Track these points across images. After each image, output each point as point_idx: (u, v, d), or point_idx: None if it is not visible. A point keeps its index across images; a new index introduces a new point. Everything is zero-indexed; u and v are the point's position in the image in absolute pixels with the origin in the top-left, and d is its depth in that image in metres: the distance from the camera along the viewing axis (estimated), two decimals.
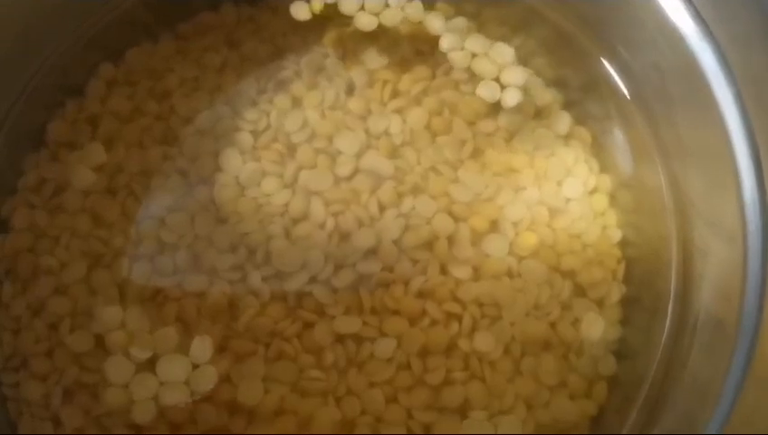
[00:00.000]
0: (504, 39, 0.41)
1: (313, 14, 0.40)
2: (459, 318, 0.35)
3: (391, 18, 0.40)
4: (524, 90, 0.40)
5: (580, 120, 0.39)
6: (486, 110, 0.39)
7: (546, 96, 0.39)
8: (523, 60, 0.40)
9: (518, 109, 0.39)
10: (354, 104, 0.39)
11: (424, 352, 0.35)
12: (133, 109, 0.39)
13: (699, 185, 0.34)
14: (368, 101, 0.39)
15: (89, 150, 0.37)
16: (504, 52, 0.39)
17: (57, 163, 0.38)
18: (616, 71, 0.37)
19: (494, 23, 0.40)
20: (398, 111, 0.39)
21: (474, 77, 0.40)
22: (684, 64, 0.32)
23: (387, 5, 0.40)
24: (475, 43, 0.39)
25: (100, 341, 0.34)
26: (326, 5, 0.39)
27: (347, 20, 0.40)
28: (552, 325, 0.36)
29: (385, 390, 0.35)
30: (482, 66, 0.39)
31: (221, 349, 0.35)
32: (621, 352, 0.36)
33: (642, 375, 0.35)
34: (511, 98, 0.38)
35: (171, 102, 0.39)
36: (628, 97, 0.37)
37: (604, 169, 0.38)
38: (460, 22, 0.40)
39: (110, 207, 0.37)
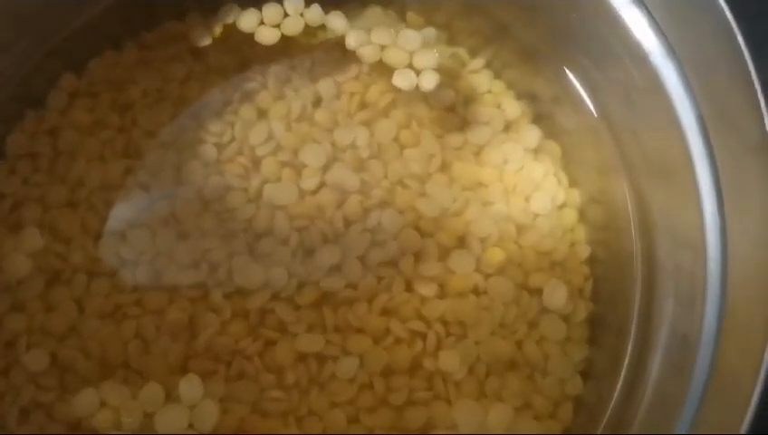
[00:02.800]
0: (476, 51, 0.40)
1: (213, 38, 0.38)
2: (424, 337, 0.35)
3: (293, 27, 0.38)
4: (495, 103, 0.39)
5: (549, 133, 0.38)
6: (456, 123, 0.39)
7: (516, 109, 0.39)
8: (496, 72, 0.39)
9: (487, 122, 0.39)
10: (321, 116, 0.38)
11: (387, 372, 0.35)
12: (94, 121, 0.38)
13: (663, 200, 0.34)
14: (335, 113, 0.39)
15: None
16: (411, 37, 0.38)
17: (15, 177, 0.37)
18: (583, 86, 0.36)
19: (465, 34, 0.40)
20: (366, 124, 0.38)
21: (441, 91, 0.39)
22: (647, 81, 0.31)
23: (286, 15, 0.38)
24: (381, 35, 0.38)
25: (86, 426, 0.33)
26: (225, 26, 0.38)
27: (312, 30, 0.39)
28: (518, 344, 0.35)
29: (347, 410, 0.34)
30: (393, 56, 0.38)
31: (181, 369, 0.34)
32: (588, 371, 0.35)
33: (608, 394, 0.35)
34: (428, 81, 0.37)
35: (133, 114, 0.38)
36: (595, 112, 0.36)
37: (573, 183, 0.38)
38: (430, 32, 0.40)
39: (70, 222, 0.36)
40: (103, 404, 0.32)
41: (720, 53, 0.28)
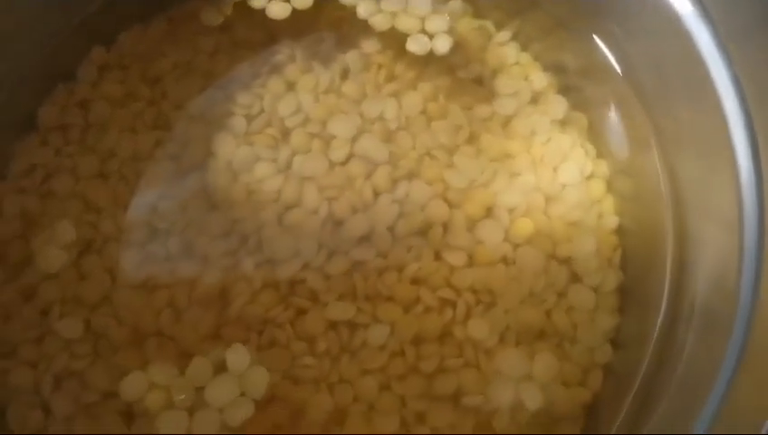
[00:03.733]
0: (503, 23, 0.40)
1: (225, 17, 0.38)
2: (453, 305, 0.35)
3: (303, 1, 0.38)
4: (522, 75, 0.39)
5: (576, 105, 0.38)
6: (483, 95, 0.39)
7: (543, 81, 0.39)
8: (522, 44, 0.39)
9: (514, 94, 0.39)
10: (349, 88, 0.38)
11: (417, 340, 0.35)
12: (125, 93, 0.38)
13: (696, 172, 0.34)
14: (362, 85, 0.39)
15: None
16: (421, 3, 0.38)
17: (47, 148, 0.37)
18: (613, 54, 0.36)
19: (491, 6, 0.40)
20: (394, 96, 0.39)
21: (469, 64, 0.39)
22: (681, 48, 0.31)
23: None
24: (391, 2, 0.38)
25: (139, 409, 0.32)
26: (235, 4, 0.38)
27: (339, 5, 0.39)
28: (548, 313, 0.35)
29: (378, 377, 0.34)
30: (404, 23, 0.38)
31: (213, 337, 0.34)
32: (617, 340, 0.35)
33: (637, 364, 0.34)
34: (442, 45, 0.37)
35: (163, 87, 0.38)
36: (625, 82, 0.36)
37: (601, 154, 0.38)
38: (456, 5, 0.40)
39: (102, 193, 0.37)
40: (152, 385, 0.32)
41: (756, 14, 0.28)
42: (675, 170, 0.35)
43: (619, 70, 0.36)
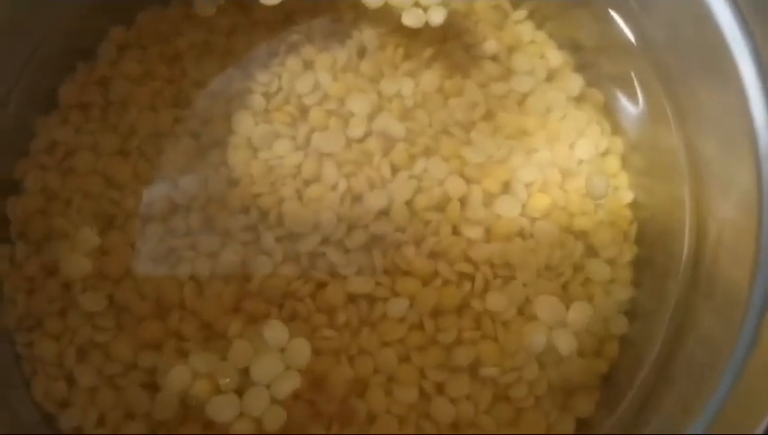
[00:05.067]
0: (517, 2, 0.40)
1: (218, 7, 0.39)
2: (471, 278, 0.35)
3: None
4: (538, 53, 0.39)
5: (592, 82, 0.39)
6: (500, 73, 0.39)
7: (558, 58, 0.39)
8: (538, 23, 0.40)
9: (530, 72, 0.39)
10: (366, 67, 0.39)
11: (436, 312, 0.35)
12: (144, 72, 0.39)
13: (714, 147, 0.34)
14: (379, 64, 0.39)
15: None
16: None
17: (68, 126, 0.38)
18: (630, 31, 0.37)
19: None
20: (410, 74, 0.39)
21: (485, 42, 0.40)
22: (700, 23, 0.31)
23: None
24: None
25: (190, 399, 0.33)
26: None
27: None
28: (564, 286, 0.36)
29: (397, 349, 0.35)
30: None
31: (234, 310, 0.35)
32: (633, 312, 0.36)
33: (653, 335, 0.35)
34: (436, 16, 0.37)
35: (182, 65, 0.39)
36: (642, 58, 0.37)
37: (616, 130, 0.38)
38: None
39: (122, 169, 0.37)
40: (196, 375, 0.32)
41: None
42: (693, 146, 0.35)
43: (636, 46, 0.37)
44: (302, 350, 0.32)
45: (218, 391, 0.31)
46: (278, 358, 0.32)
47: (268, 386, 0.31)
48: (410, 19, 0.37)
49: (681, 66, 0.34)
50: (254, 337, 0.33)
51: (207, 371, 0.32)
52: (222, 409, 0.31)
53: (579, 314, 0.34)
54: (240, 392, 0.32)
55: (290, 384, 0.32)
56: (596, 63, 0.39)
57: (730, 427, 0.29)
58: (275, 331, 0.32)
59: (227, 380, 0.31)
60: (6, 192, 0.36)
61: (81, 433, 0.33)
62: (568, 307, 0.34)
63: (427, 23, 0.38)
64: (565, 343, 0.33)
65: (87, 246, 0.35)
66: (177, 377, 0.32)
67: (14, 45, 0.36)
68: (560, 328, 0.34)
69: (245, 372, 0.32)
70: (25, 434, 0.32)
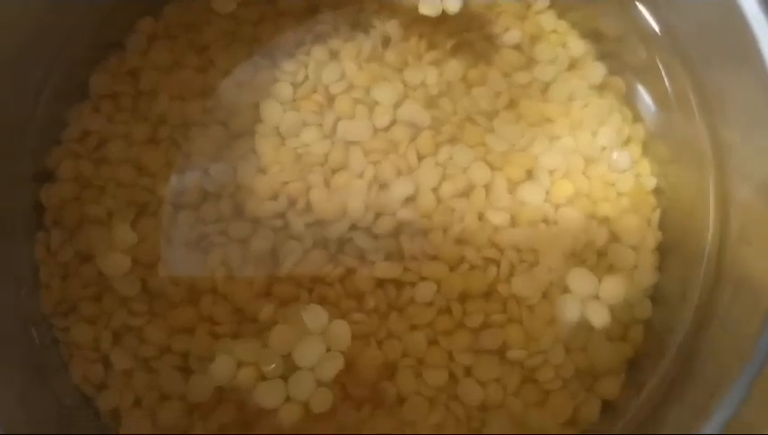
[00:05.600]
0: None
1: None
2: (497, 263, 0.36)
3: None
4: (560, 42, 0.40)
5: (614, 70, 0.39)
6: (522, 62, 0.40)
7: (580, 48, 0.40)
8: (560, 12, 0.40)
9: (552, 61, 0.40)
10: (391, 56, 0.39)
11: (463, 297, 0.36)
12: (173, 62, 0.39)
13: (739, 135, 0.34)
14: (404, 54, 0.40)
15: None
16: None
17: (100, 115, 0.38)
18: (653, 18, 0.37)
19: None
20: (434, 64, 0.40)
21: (507, 32, 0.40)
22: (725, 10, 0.32)
23: None
24: None
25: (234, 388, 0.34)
26: None
27: None
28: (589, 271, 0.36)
29: (426, 332, 0.35)
30: None
31: (265, 294, 0.35)
32: (657, 297, 0.36)
33: (677, 321, 0.35)
34: (452, 5, 0.38)
35: (210, 56, 0.39)
36: (665, 46, 0.37)
37: (638, 118, 0.39)
38: None
39: (154, 157, 0.38)
40: (240, 364, 0.33)
41: None
42: (717, 133, 0.35)
43: (660, 34, 0.37)
44: (342, 332, 0.33)
45: (263, 377, 0.32)
46: (320, 341, 0.33)
47: (312, 369, 0.32)
48: (427, 8, 0.38)
49: (705, 54, 0.34)
50: (292, 322, 0.33)
51: (251, 359, 0.33)
52: (268, 394, 0.32)
53: (611, 287, 0.35)
54: (285, 377, 0.32)
55: (334, 366, 0.32)
56: (618, 52, 0.39)
57: (755, 414, 0.29)
58: (315, 315, 0.33)
59: (272, 366, 0.32)
60: (41, 180, 0.37)
61: (119, 414, 0.34)
62: (601, 280, 0.35)
63: (444, 11, 0.38)
64: (598, 316, 0.34)
65: (124, 243, 0.36)
66: (222, 367, 0.33)
67: (47, 37, 0.37)
68: (592, 301, 0.34)
69: (288, 357, 0.33)
70: (67, 415, 0.33)
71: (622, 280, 0.36)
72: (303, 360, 0.33)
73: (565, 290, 0.36)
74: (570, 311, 0.35)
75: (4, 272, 0.34)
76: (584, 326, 0.36)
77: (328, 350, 0.33)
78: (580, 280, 0.35)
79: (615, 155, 0.38)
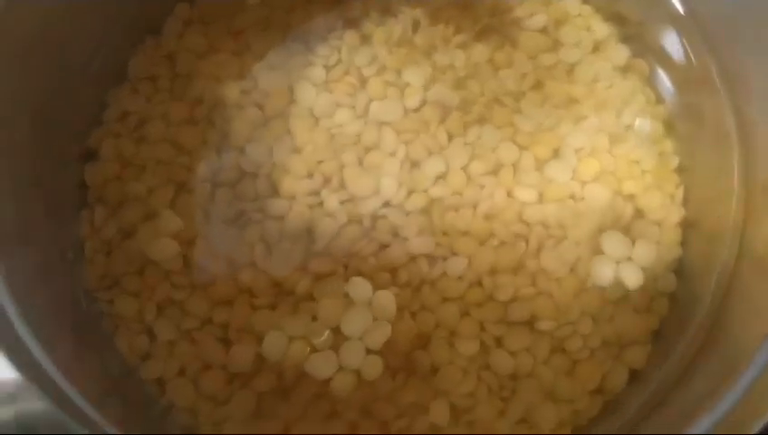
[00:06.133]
0: None
1: None
2: (526, 238, 0.37)
3: None
4: (585, 26, 0.41)
5: (637, 52, 0.40)
6: (548, 45, 0.41)
7: (604, 31, 0.41)
8: None
9: (577, 43, 0.41)
10: (420, 40, 0.41)
11: (493, 271, 0.37)
12: (208, 46, 0.41)
13: (764, 115, 0.35)
14: (432, 38, 0.41)
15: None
16: None
17: (138, 96, 0.40)
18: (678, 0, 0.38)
19: None
20: (462, 47, 0.41)
21: (533, 17, 0.41)
22: None
23: None
24: None
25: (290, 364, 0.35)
26: None
27: None
28: None
29: (458, 304, 0.36)
30: None
31: (302, 269, 0.37)
32: (681, 271, 0.38)
33: (700, 295, 0.36)
34: None
35: (245, 39, 0.41)
36: (690, 27, 0.38)
37: (661, 98, 0.40)
38: None
39: (192, 137, 0.39)
40: (291, 339, 0.34)
41: None
42: (742, 113, 0.36)
43: (684, 16, 0.38)
44: (386, 301, 0.35)
45: (314, 349, 0.34)
46: (367, 311, 0.34)
47: (361, 338, 0.34)
48: None
49: (730, 35, 0.36)
50: (335, 295, 0.35)
51: (301, 333, 0.34)
52: (321, 365, 0.34)
53: (644, 250, 0.36)
54: (335, 348, 0.34)
55: (382, 334, 0.34)
56: (641, 34, 0.40)
57: None
58: (360, 287, 0.35)
59: (322, 338, 0.34)
60: (85, 160, 0.38)
61: (163, 382, 0.35)
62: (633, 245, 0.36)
63: None
64: (632, 277, 0.36)
65: (171, 229, 0.37)
66: (274, 343, 0.34)
67: (91, 23, 0.38)
68: (626, 262, 0.36)
69: (337, 329, 0.34)
70: (114, 383, 0.34)
71: (654, 245, 0.37)
72: (352, 330, 0.34)
73: (599, 252, 0.37)
74: (603, 273, 0.36)
75: (53, 247, 0.35)
76: (618, 287, 0.36)
77: (375, 319, 0.34)
78: (614, 243, 0.36)
79: (637, 122, 0.39)
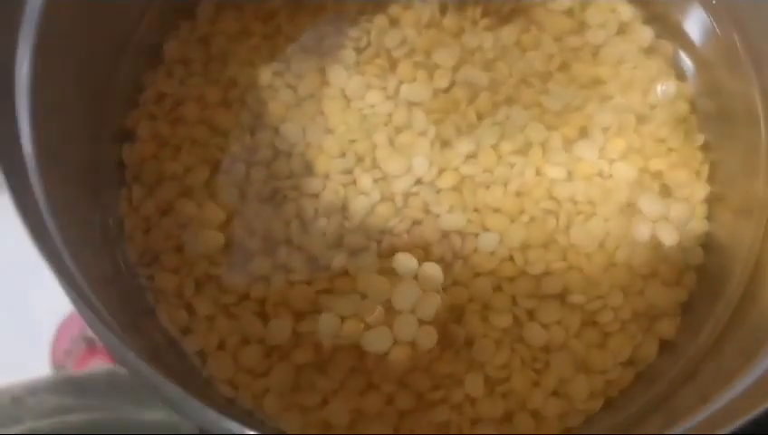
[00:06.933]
0: None
1: None
2: (556, 215, 0.38)
3: None
4: (609, 8, 0.42)
5: (662, 32, 0.41)
6: (574, 27, 0.42)
7: (628, 13, 0.42)
8: None
9: (603, 25, 0.42)
10: (448, 22, 0.42)
11: (524, 246, 0.38)
12: (241, 29, 0.41)
13: None
14: (461, 20, 0.42)
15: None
16: None
17: (173, 79, 0.40)
18: None
19: None
20: (489, 29, 0.42)
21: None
22: None
23: None
24: None
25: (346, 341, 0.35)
26: None
27: None
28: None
29: (490, 279, 0.37)
30: None
31: (336, 245, 0.37)
32: (710, 245, 0.38)
33: (729, 269, 0.37)
34: None
35: (277, 22, 0.41)
36: (717, 7, 0.39)
37: (685, 77, 0.41)
38: None
39: (226, 118, 0.40)
40: (344, 319, 0.35)
41: None
42: None
43: None
44: (434, 272, 0.36)
45: (368, 326, 0.34)
46: (414, 284, 0.35)
47: (413, 311, 0.35)
48: None
49: (756, 12, 0.36)
50: (370, 270, 0.36)
51: (352, 312, 0.35)
52: (377, 341, 0.34)
53: (679, 211, 0.38)
54: (388, 323, 0.34)
55: (432, 304, 0.35)
56: (666, 14, 0.41)
57: None
58: (405, 261, 0.36)
59: (374, 314, 0.34)
60: (123, 140, 0.39)
61: (204, 355, 0.36)
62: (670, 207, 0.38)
63: None
64: (668, 235, 0.37)
65: (215, 221, 0.38)
66: (327, 323, 0.35)
67: (127, 9, 0.39)
68: (663, 221, 0.37)
69: (387, 303, 0.35)
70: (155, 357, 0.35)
71: (689, 205, 0.38)
72: (403, 304, 0.35)
73: (636, 212, 0.38)
74: (641, 230, 0.37)
75: (96, 224, 0.36)
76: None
77: (423, 291, 0.35)
78: (651, 203, 0.37)
79: (659, 87, 0.40)
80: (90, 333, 0.78)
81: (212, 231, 0.37)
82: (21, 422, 0.41)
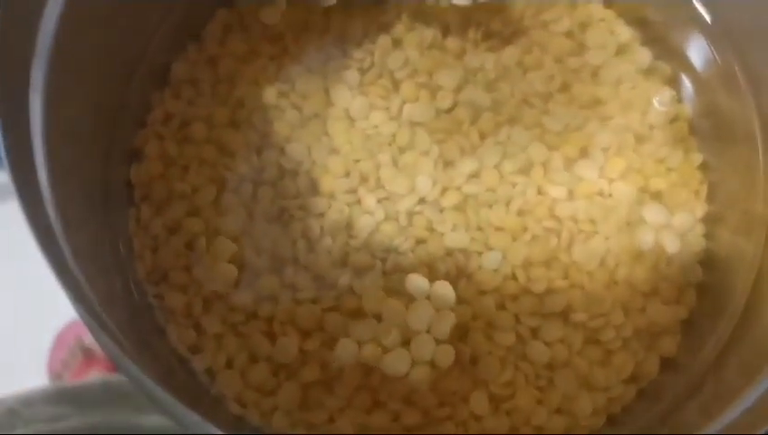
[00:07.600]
0: None
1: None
2: (558, 233, 0.39)
3: None
4: (608, 30, 0.43)
5: (660, 54, 0.42)
6: (573, 48, 0.42)
7: (627, 34, 0.43)
8: (606, 2, 0.43)
9: (601, 46, 0.43)
10: (451, 44, 0.42)
11: (527, 264, 0.38)
12: (249, 50, 0.42)
13: None
14: (463, 42, 0.42)
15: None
16: None
17: (180, 100, 0.41)
18: (702, 4, 0.40)
19: None
20: (491, 50, 0.42)
21: (559, 21, 0.43)
22: None
23: None
24: None
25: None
26: None
27: None
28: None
29: (494, 297, 0.38)
30: None
31: (342, 263, 0.38)
32: (709, 263, 0.39)
33: (730, 286, 0.38)
34: None
35: (284, 44, 0.42)
36: (715, 30, 0.40)
37: (684, 99, 0.42)
38: None
39: (234, 139, 0.40)
40: (361, 343, 0.35)
41: None
42: (766, 112, 0.38)
43: (707, 16, 0.40)
44: (446, 291, 0.36)
45: (386, 349, 0.35)
46: (427, 304, 0.35)
47: (429, 331, 0.35)
48: None
49: (755, 37, 0.37)
50: (375, 289, 0.37)
51: (369, 336, 0.35)
52: (396, 363, 0.35)
53: (682, 220, 0.38)
54: (405, 344, 0.35)
55: (447, 322, 0.35)
56: (665, 37, 0.42)
57: None
58: (417, 281, 0.36)
59: (390, 337, 0.35)
60: (131, 160, 0.39)
61: (213, 373, 0.36)
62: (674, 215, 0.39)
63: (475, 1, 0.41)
64: (671, 242, 0.38)
65: (226, 254, 0.38)
66: (346, 349, 0.35)
67: (138, 28, 0.39)
68: (666, 229, 0.38)
69: (404, 325, 0.35)
70: (166, 375, 0.35)
71: (692, 215, 0.39)
72: (418, 324, 0.35)
73: (641, 221, 0.39)
74: (644, 238, 0.38)
75: (103, 241, 0.37)
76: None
77: (437, 310, 0.35)
78: (655, 212, 0.38)
79: (657, 98, 0.41)
80: (87, 343, 0.79)
81: (224, 264, 0.38)
82: (16, 431, 0.41)
